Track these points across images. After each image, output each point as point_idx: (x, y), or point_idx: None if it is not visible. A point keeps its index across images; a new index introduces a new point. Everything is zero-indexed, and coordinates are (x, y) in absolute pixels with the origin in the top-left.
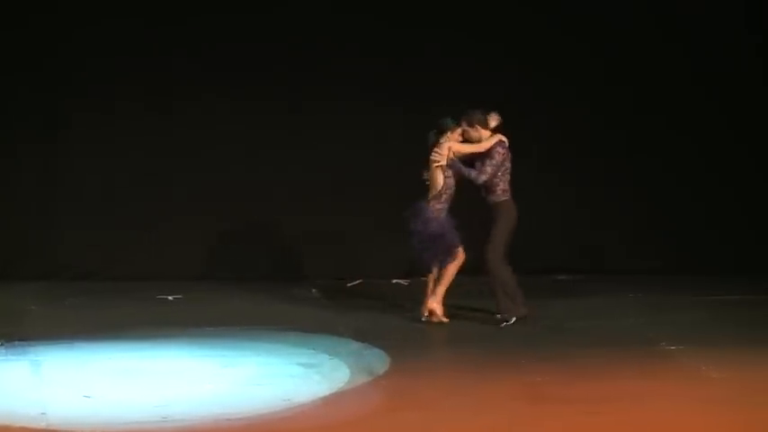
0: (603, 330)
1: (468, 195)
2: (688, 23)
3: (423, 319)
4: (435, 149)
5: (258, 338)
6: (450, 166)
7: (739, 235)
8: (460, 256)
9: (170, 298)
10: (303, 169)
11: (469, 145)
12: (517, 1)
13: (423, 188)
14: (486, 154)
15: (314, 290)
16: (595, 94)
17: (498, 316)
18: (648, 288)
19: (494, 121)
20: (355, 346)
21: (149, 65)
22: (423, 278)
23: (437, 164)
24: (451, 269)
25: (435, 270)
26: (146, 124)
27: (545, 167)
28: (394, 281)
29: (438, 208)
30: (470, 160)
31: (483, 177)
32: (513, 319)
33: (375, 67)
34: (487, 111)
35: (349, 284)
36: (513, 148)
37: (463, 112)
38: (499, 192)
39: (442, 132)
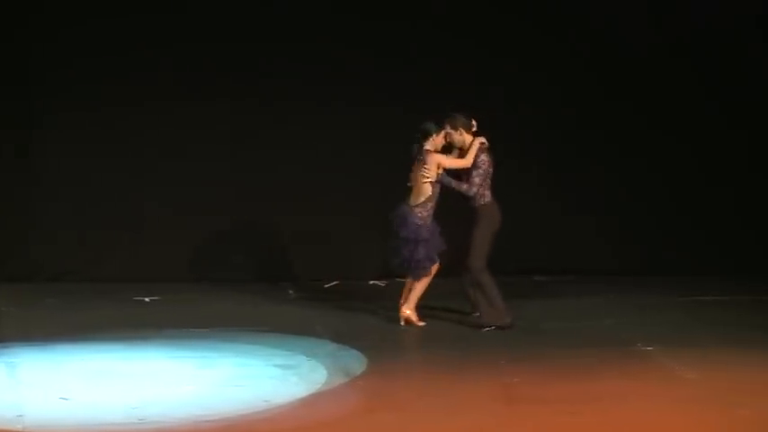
0: (581, 331)
1: (445, 199)
2: (674, 20)
3: (401, 324)
4: (424, 166)
5: (235, 340)
6: (438, 181)
7: (714, 236)
8: (436, 265)
9: (147, 299)
10: (280, 171)
11: (456, 160)
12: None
13: (402, 189)
14: (473, 164)
15: (291, 291)
16: (576, 94)
17: (476, 316)
18: (625, 289)
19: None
20: (332, 347)
21: (132, 64)
22: (401, 279)
23: (426, 180)
24: (427, 277)
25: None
26: (125, 124)
27: (522, 167)
28: (371, 282)
29: (424, 215)
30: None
31: (474, 190)
32: (497, 325)
33: (360, 67)
34: (469, 113)
35: (326, 285)
36: (491, 148)
37: (445, 112)
38: (478, 194)
39: (425, 137)
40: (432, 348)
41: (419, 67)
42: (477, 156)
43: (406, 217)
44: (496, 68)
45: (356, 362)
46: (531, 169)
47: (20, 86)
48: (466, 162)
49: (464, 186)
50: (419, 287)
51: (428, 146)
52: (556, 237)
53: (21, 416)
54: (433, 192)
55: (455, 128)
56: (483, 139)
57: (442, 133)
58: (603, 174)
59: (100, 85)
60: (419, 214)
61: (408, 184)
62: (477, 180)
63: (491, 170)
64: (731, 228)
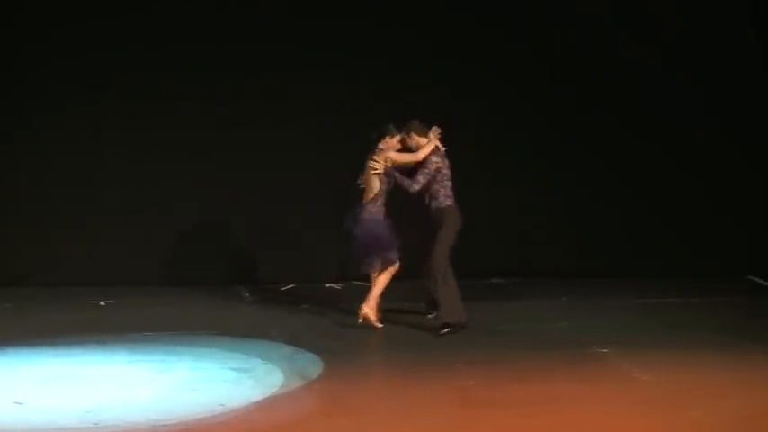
0: (537, 333)
1: (406, 203)
2: (633, 16)
3: (359, 321)
4: (373, 157)
5: (191, 343)
6: (386, 174)
7: (671, 239)
8: (396, 263)
9: (102, 303)
10: (235, 174)
11: (405, 154)
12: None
13: (358, 191)
14: (422, 163)
15: (247, 294)
16: (536, 93)
17: (432, 317)
18: (581, 291)
19: (434, 134)
20: (288, 350)
21: (82, 64)
22: (358, 282)
23: (374, 171)
24: (386, 276)
25: (378, 271)
26: (78, 127)
27: (480, 169)
28: (327, 285)
29: (374, 211)
30: (409, 169)
31: (415, 186)
32: (454, 323)
33: (316, 67)
34: (426, 117)
35: (282, 288)
36: (450, 150)
37: (402, 116)
38: (441, 197)
39: (381, 137)
40: (388, 351)
41: (389, 72)
42: (427, 156)
43: (357, 216)
44: (462, 73)
45: (312, 365)
46: (488, 171)
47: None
48: (415, 157)
49: (407, 182)
50: (378, 286)
51: (381, 145)
52: (512, 239)
53: None
54: (381, 188)
55: (408, 132)
56: (437, 143)
57: (398, 136)
58: (562, 175)
59: (57, 86)
60: (370, 210)
61: (361, 186)
62: (420, 178)
63: (447, 172)
64: (688, 231)
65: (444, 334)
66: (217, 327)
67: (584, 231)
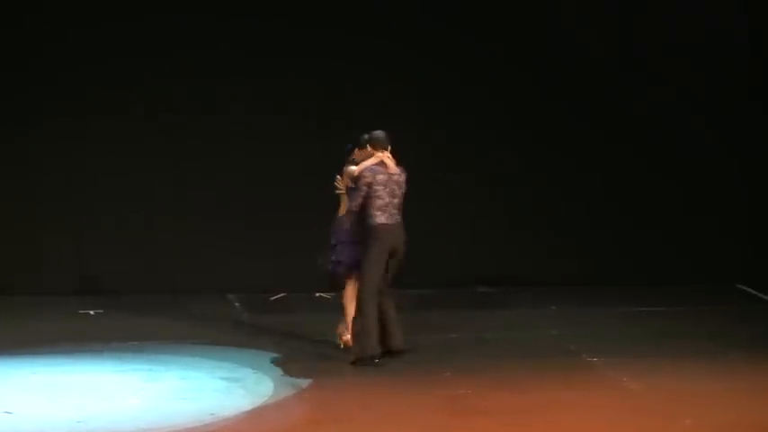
0: (526, 342)
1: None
2: (618, 27)
3: (342, 347)
4: (338, 176)
5: (181, 353)
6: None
7: (659, 248)
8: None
9: (92, 312)
10: (227, 184)
11: (351, 167)
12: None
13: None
14: (356, 179)
15: (237, 304)
16: (525, 104)
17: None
18: (571, 300)
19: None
20: (279, 359)
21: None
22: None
23: (337, 191)
24: (353, 296)
25: (350, 288)
26: (68, 137)
27: (469, 180)
28: (317, 294)
29: (348, 225)
30: None
31: (354, 205)
32: (363, 358)
33: (315, 82)
34: (415, 126)
35: (273, 298)
36: (432, 160)
37: (392, 125)
38: (368, 215)
39: (352, 149)
40: (378, 361)
41: (381, 80)
42: (361, 172)
43: (339, 225)
44: (446, 82)
45: (302, 374)
46: (478, 181)
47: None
48: (349, 171)
49: (351, 203)
50: (350, 308)
51: (354, 156)
52: (501, 247)
53: None
54: (350, 204)
55: (360, 145)
56: (380, 158)
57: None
58: (551, 186)
59: (48, 97)
60: (347, 223)
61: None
62: (355, 195)
63: (376, 189)
64: (675, 240)
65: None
66: (207, 336)
67: (573, 240)
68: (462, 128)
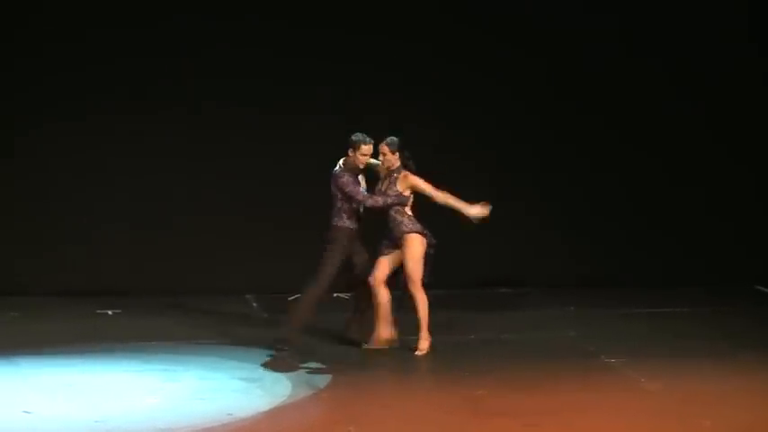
0: (544, 343)
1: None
2: (642, 34)
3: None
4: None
5: (199, 353)
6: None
7: (676, 249)
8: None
9: (110, 312)
10: (243, 184)
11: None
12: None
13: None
14: None
15: (255, 304)
16: (542, 106)
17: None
18: (588, 301)
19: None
20: (296, 359)
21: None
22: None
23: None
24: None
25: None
26: (82, 137)
27: (487, 181)
28: (335, 294)
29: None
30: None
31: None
32: (290, 343)
33: (337, 78)
34: (427, 124)
35: (290, 298)
36: (451, 161)
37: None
38: (336, 216)
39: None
40: (395, 361)
41: (390, 77)
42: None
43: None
44: (467, 84)
45: (320, 375)
46: (498, 183)
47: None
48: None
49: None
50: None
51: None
52: (521, 249)
53: None
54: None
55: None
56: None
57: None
58: (571, 187)
59: (59, 97)
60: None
61: None
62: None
63: (347, 192)
64: (693, 241)
65: (278, 348)
66: (225, 336)
67: (591, 241)
68: (482, 129)
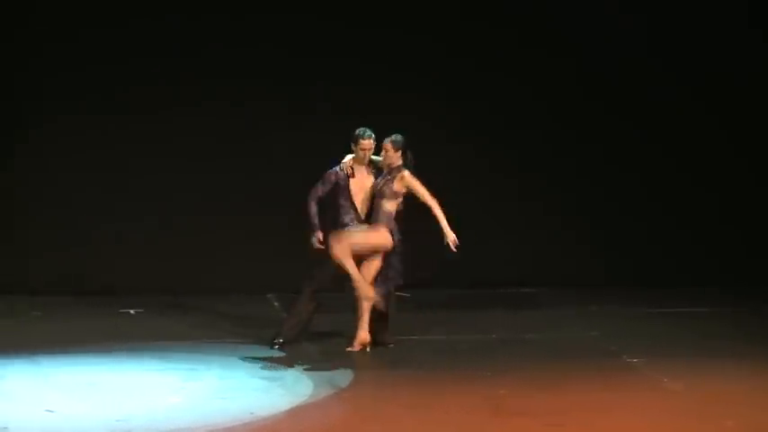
0: (566, 343)
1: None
2: (668, 35)
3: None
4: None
5: (221, 352)
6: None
7: (699, 249)
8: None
9: (132, 312)
10: (266, 182)
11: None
12: None
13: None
14: None
15: (276, 303)
16: (568, 109)
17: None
18: (611, 300)
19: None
20: (318, 358)
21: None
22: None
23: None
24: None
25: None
26: (108, 136)
27: (511, 181)
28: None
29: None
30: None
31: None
32: (281, 341)
33: (329, 79)
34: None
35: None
36: (474, 161)
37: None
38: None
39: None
40: (417, 361)
41: (400, 75)
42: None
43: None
44: (488, 84)
45: (341, 374)
46: (519, 181)
47: (6, 99)
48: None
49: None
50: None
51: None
52: (542, 248)
53: (6, 428)
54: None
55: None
56: (345, 160)
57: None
58: (593, 186)
59: (88, 95)
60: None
61: None
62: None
63: (339, 190)
64: (716, 240)
65: (275, 346)
66: (246, 335)
67: (611, 241)
68: (504, 129)
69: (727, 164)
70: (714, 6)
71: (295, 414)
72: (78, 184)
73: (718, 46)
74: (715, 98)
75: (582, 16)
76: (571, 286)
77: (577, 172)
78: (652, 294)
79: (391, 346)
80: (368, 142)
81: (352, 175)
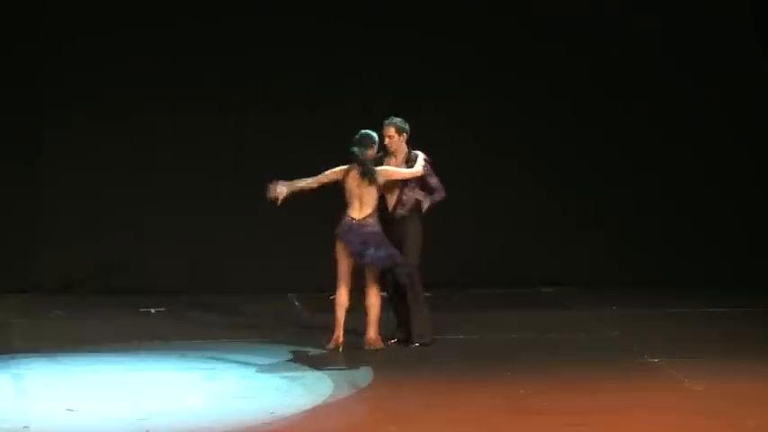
0: (587, 343)
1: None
2: (683, 35)
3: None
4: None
5: (242, 351)
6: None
7: (722, 249)
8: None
9: (153, 311)
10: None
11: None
12: None
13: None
14: None
15: (297, 302)
16: (589, 107)
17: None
18: (632, 300)
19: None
20: (338, 358)
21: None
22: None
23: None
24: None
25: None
26: (130, 137)
27: (532, 181)
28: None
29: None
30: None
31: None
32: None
33: (356, 76)
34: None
35: (332, 297)
36: (496, 161)
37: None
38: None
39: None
40: (438, 360)
41: (414, 72)
42: None
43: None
44: (511, 83)
45: (362, 373)
46: (540, 182)
47: (27, 100)
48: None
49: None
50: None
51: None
52: (563, 248)
53: (27, 427)
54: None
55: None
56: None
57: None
58: (612, 186)
59: (109, 96)
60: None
61: None
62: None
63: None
64: (738, 241)
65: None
66: (267, 334)
67: (633, 241)
68: (523, 130)
69: (746, 166)
70: (736, 6)
71: (315, 414)
72: (101, 184)
73: (738, 47)
74: (732, 99)
75: (603, 17)
76: (591, 287)
77: (600, 173)
78: (673, 295)
79: (416, 345)
80: (385, 129)
81: None
